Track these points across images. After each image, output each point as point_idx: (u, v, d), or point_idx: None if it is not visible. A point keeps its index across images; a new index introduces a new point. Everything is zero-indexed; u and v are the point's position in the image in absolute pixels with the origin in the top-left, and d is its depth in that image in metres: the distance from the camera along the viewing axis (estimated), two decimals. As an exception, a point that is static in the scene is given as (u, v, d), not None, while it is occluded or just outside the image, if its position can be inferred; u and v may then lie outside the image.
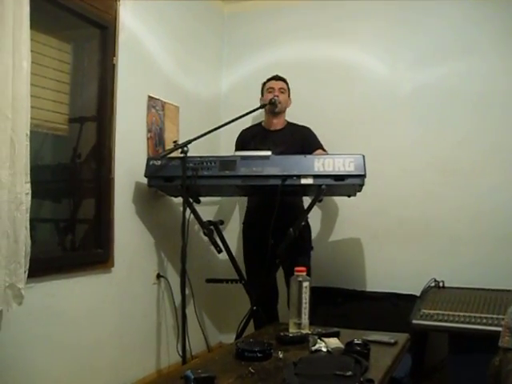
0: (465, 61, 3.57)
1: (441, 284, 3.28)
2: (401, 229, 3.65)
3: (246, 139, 3.55)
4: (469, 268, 3.38)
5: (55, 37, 2.79)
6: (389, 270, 3.63)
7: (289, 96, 3.56)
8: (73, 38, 2.91)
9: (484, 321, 2.72)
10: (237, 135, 3.63)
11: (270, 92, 3.49)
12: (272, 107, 3.42)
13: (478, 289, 3.14)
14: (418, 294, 3.26)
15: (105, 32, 2.94)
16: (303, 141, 3.40)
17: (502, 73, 3.49)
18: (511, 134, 3.44)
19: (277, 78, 3.54)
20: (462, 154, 3.54)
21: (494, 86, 3.50)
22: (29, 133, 2.13)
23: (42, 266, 2.45)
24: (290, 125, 3.55)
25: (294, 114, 3.60)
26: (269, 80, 3.55)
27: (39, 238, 2.58)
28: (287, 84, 3.55)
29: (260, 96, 3.58)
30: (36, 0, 2.23)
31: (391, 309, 3.38)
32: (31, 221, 2.15)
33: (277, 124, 3.52)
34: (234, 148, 3.49)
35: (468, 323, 2.74)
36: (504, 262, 3.33)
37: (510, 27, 3.47)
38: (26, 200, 2.12)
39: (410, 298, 3.28)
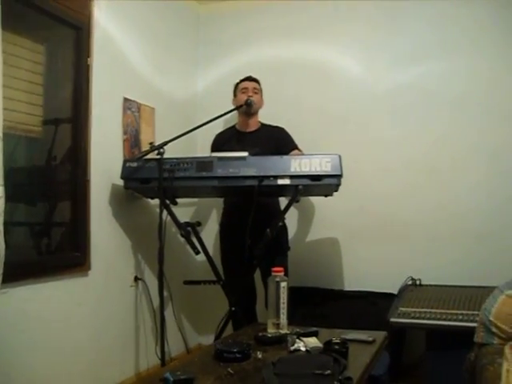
0: (441, 60, 3.60)
1: (418, 282, 3.32)
2: (378, 228, 3.68)
3: (221, 142, 3.54)
4: (445, 266, 3.42)
5: (28, 37, 2.75)
6: (366, 269, 3.65)
7: (261, 96, 3.57)
8: (46, 38, 2.88)
9: (460, 317, 2.76)
10: (213, 136, 3.63)
11: (243, 92, 3.49)
12: (247, 108, 3.42)
13: (454, 286, 3.18)
14: (395, 292, 3.29)
15: (79, 32, 2.92)
16: (278, 141, 3.41)
17: (479, 72, 3.51)
18: (489, 133, 3.47)
19: (250, 78, 3.55)
20: (439, 153, 3.57)
21: (472, 85, 3.52)
22: (1, 135, 2.10)
23: (17, 270, 2.41)
24: (263, 126, 3.56)
25: (271, 115, 3.61)
26: (242, 81, 3.56)
27: (14, 241, 2.53)
28: (260, 85, 3.56)
29: (233, 98, 3.58)
30: (8, 0, 2.20)
31: (369, 307, 3.40)
32: (5, 224, 2.12)
33: (251, 125, 3.53)
34: (209, 150, 3.50)
35: (444, 320, 2.78)
36: (479, 259, 3.37)
37: (488, 27, 3.50)
38: (0, 203, 2.09)
39: (388, 297, 3.31)
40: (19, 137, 2.71)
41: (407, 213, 3.63)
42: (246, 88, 3.51)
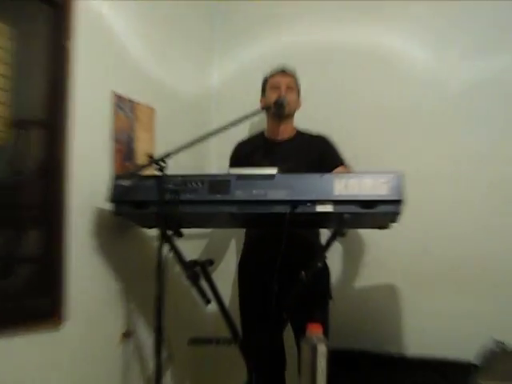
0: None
1: (504, 346, 3.23)
2: (450, 273, 3.64)
3: (244, 154, 3.59)
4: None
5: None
6: (435, 328, 3.60)
7: (299, 95, 3.55)
8: (16, 19, 2.90)
9: None
10: (232, 147, 3.66)
11: (274, 91, 3.48)
12: (278, 110, 3.41)
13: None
14: (472, 359, 3.22)
15: (57, 11, 2.93)
16: (320, 155, 3.42)
17: None
18: None
19: (283, 71, 3.54)
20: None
21: None
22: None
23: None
24: (300, 134, 3.57)
25: (307, 117, 3.62)
26: (272, 75, 3.56)
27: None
28: (296, 79, 3.56)
29: (260, 95, 3.58)
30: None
31: (439, 381, 3.33)
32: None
33: (284, 132, 3.54)
34: (227, 165, 3.54)
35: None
36: None
37: None
38: None
39: (465, 367, 3.23)
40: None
41: (488, 254, 3.57)
42: (277, 85, 3.48)
